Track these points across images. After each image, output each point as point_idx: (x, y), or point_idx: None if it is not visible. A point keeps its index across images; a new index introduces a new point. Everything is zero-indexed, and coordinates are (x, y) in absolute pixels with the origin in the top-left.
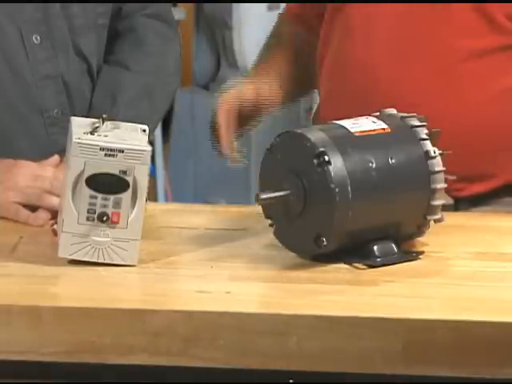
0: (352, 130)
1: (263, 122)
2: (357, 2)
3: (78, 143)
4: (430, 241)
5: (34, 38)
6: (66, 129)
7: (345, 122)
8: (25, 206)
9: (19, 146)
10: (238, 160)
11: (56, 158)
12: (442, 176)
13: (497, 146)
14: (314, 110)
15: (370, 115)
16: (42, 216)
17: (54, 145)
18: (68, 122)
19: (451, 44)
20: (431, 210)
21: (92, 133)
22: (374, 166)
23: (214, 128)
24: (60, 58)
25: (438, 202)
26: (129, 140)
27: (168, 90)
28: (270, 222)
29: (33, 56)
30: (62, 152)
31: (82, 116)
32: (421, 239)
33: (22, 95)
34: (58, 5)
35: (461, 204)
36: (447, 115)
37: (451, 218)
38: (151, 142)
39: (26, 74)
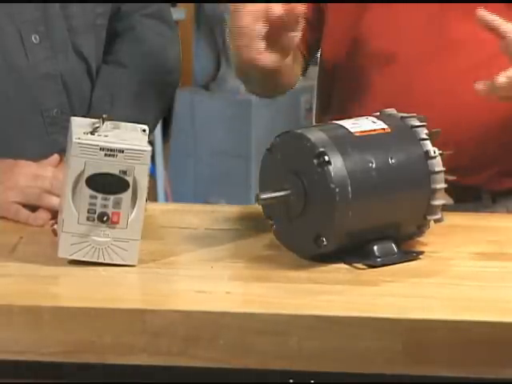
0: (352, 130)
1: (263, 122)
2: (382, 2)
3: (78, 143)
4: (429, 241)
5: (33, 38)
6: (65, 128)
7: (345, 122)
8: (25, 205)
9: (19, 145)
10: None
11: (56, 157)
12: (442, 176)
13: None
14: (314, 111)
15: (370, 115)
16: (42, 216)
17: (54, 144)
18: (68, 121)
19: (484, 39)
20: (431, 209)
21: (92, 133)
22: (373, 166)
23: (234, 33)
24: (59, 58)
25: (438, 202)
26: (129, 140)
27: (168, 90)
28: (270, 222)
29: (32, 56)
30: (61, 151)
31: (82, 116)
32: (421, 239)
33: (21, 95)
34: (57, 5)
35: (497, 197)
36: (482, 109)
37: (451, 218)
38: (151, 142)
39: (25, 73)
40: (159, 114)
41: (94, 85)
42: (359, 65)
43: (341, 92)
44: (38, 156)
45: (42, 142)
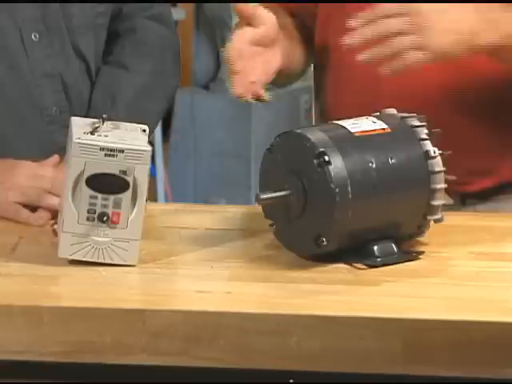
0: (352, 130)
1: (263, 122)
2: (358, 3)
3: (79, 143)
4: (430, 241)
5: (33, 36)
6: (64, 127)
7: (345, 122)
8: (25, 205)
9: (18, 144)
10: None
11: (56, 157)
12: (441, 176)
13: (505, 141)
14: (313, 111)
15: (370, 115)
16: (43, 216)
17: (53, 143)
18: (66, 120)
19: None
20: (431, 209)
21: (92, 133)
22: (373, 166)
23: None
24: (58, 57)
25: (438, 202)
26: (129, 140)
27: (167, 91)
28: (270, 222)
29: (32, 54)
30: (60, 150)
31: (81, 116)
32: (421, 239)
33: (20, 93)
34: (57, 4)
35: (467, 199)
36: (446, 107)
37: (451, 218)
38: (151, 142)
39: (24, 71)
40: (159, 115)
41: (92, 85)
42: (337, 60)
43: (324, 89)
44: (37, 155)
45: (41, 141)
